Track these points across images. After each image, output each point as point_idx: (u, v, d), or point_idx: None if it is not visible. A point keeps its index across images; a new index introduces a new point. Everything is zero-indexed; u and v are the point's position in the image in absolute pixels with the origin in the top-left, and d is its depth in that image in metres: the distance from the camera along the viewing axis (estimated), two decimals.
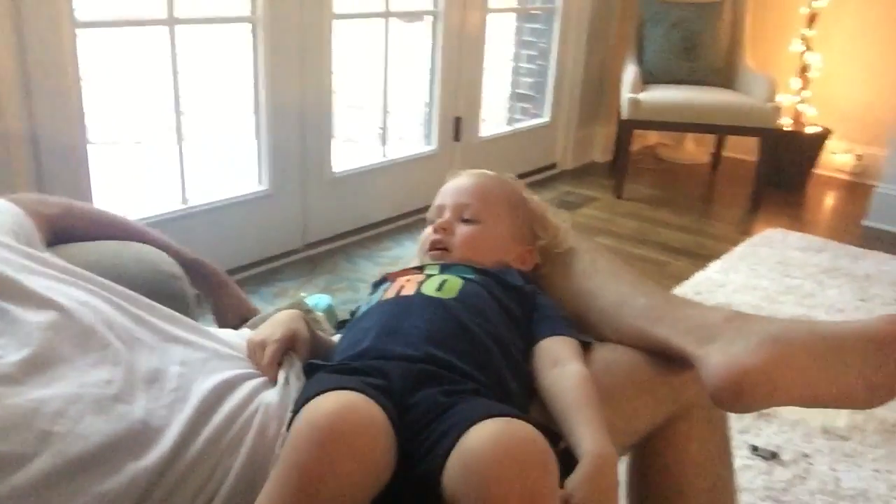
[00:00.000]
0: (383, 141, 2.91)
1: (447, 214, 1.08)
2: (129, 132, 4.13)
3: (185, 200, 2.24)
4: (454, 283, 0.95)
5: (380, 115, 2.91)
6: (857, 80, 3.79)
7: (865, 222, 3.27)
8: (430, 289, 0.94)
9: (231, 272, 2.30)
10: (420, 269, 1.03)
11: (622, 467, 1.09)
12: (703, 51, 3.52)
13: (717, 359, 0.85)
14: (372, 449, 0.67)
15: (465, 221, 1.08)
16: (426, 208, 1.15)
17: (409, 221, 2.89)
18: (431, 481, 0.69)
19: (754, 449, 1.68)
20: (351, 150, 3.78)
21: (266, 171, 2.43)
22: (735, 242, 2.94)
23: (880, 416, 1.83)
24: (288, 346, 0.89)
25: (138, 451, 0.72)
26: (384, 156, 2.89)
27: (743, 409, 0.85)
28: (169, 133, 2.21)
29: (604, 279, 1.04)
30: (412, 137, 3.37)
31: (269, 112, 2.37)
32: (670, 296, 1.01)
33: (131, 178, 3.49)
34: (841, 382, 0.83)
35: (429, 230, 1.10)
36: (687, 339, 0.90)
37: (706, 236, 3.05)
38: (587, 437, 0.80)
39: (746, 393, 0.82)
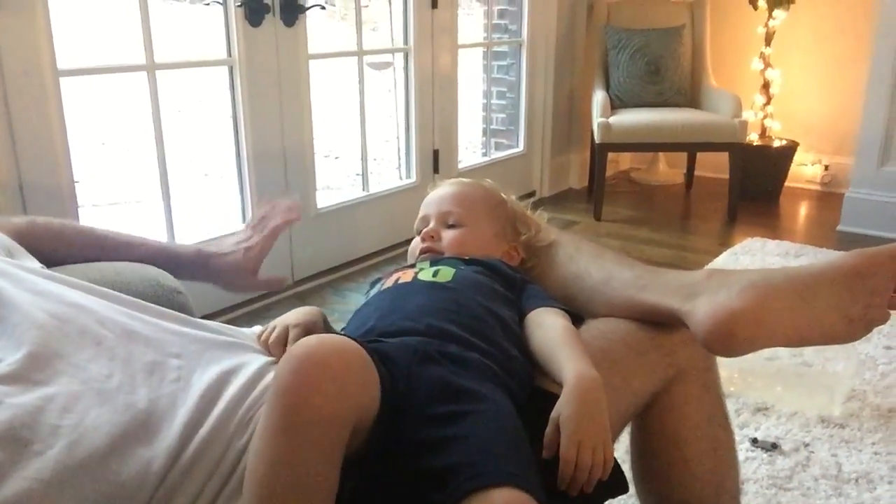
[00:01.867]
0: (364, 184, 2.95)
1: (432, 223, 1.14)
2: (114, 177, 4.16)
3: (171, 240, 2.25)
4: (448, 271, 1.00)
5: (357, 160, 2.96)
6: (818, 92, 3.92)
7: (840, 227, 3.35)
8: (426, 276, 0.99)
9: (222, 311, 2.31)
10: (412, 266, 1.07)
11: (625, 438, 1.11)
12: (667, 73, 3.63)
13: (703, 308, 0.89)
14: (348, 370, 0.69)
15: (450, 227, 1.13)
16: (411, 240, 1.20)
17: (395, 254, 2.91)
18: None
19: (754, 441, 1.69)
20: (334, 188, 3.83)
21: (251, 210, 2.45)
22: (716, 254, 3.00)
23: (874, 402, 1.86)
24: (306, 332, 0.92)
25: (147, 439, 0.73)
26: (367, 190, 2.93)
27: (733, 351, 0.89)
28: (154, 176, 2.23)
29: (588, 261, 1.09)
30: (391, 173, 3.41)
31: (251, 151, 2.41)
32: (653, 267, 1.05)
33: (119, 218, 3.50)
34: (822, 319, 0.87)
35: (417, 240, 1.15)
36: (673, 298, 0.95)
37: (687, 250, 3.10)
38: (568, 366, 0.85)
39: (734, 335, 0.86)
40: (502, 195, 1.21)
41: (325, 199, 2.76)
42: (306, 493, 0.65)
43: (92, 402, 0.73)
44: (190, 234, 2.32)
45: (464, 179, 1.23)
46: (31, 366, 0.73)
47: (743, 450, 1.65)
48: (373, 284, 1.09)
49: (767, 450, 1.67)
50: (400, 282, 0.99)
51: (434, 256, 1.10)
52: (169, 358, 0.82)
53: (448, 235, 1.12)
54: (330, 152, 4.74)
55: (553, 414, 0.81)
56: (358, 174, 3.02)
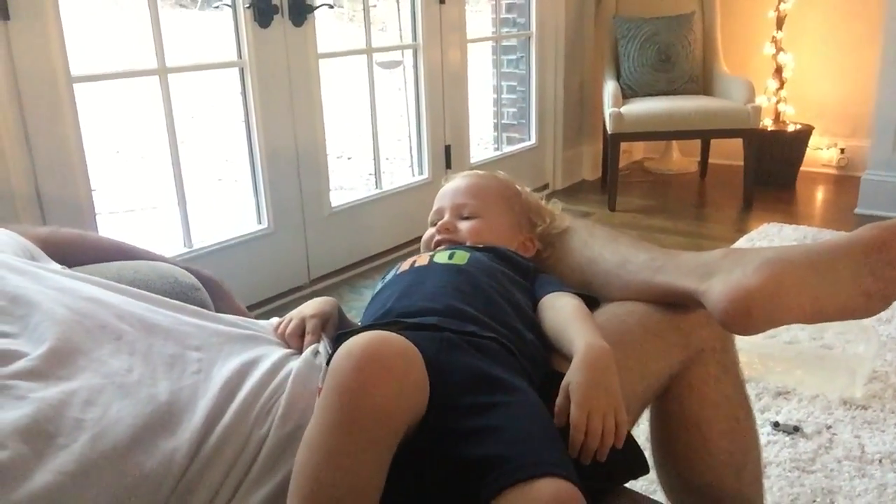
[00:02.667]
0: (377, 182, 2.96)
1: (447, 216, 1.14)
2: (130, 181, 4.21)
3: (189, 244, 2.27)
4: (463, 255, 1.01)
5: (370, 160, 2.96)
6: (831, 75, 3.88)
7: (858, 210, 3.32)
8: (442, 258, 1.00)
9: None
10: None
11: (645, 421, 1.11)
12: (678, 61, 3.61)
13: (719, 287, 0.89)
14: (408, 372, 0.69)
15: (465, 219, 1.13)
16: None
17: (409, 250, 2.92)
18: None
19: (776, 425, 1.68)
20: (347, 188, 3.85)
21: (266, 210, 2.47)
22: (733, 240, 2.98)
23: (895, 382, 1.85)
24: (322, 325, 0.92)
25: (170, 431, 0.74)
26: (380, 187, 2.94)
27: (751, 329, 0.88)
28: (168, 179, 2.25)
29: (602, 245, 1.09)
30: (403, 170, 3.42)
31: (264, 152, 2.42)
32: (668, 249, 1.05)
33: (135, 224, 3.54)
34: (839, 294, 0.86)
35: (430, 231, 1.15)
36: (689, 279, 0.94)
37: (704, 238, 3.09)
38: (578, 338, 0.85)
39: (752, 312, 0.86)
40: (516, 187, 1.21)
41: (339, 197, 2.77)
42: (355, 489, 0.66)
43: (114, 396, 0.74)
44: (206, 239, 2.34)
45: (478, 171, 1.22)
46: (53, 361, 0.75)
47: (765, 434, 1.64)
48: (389, 271, 1.09)
49: (789, 433, 1.66)
50: (417, 265, 1.00)
51: (450, 246, 1.10)
52: (189, 350, 0.83)
53: (465, 226, 1.12)
54: (342, 153, 4.76)
55: (563, 382, 0.81)
56: (371, 174, 3.03)
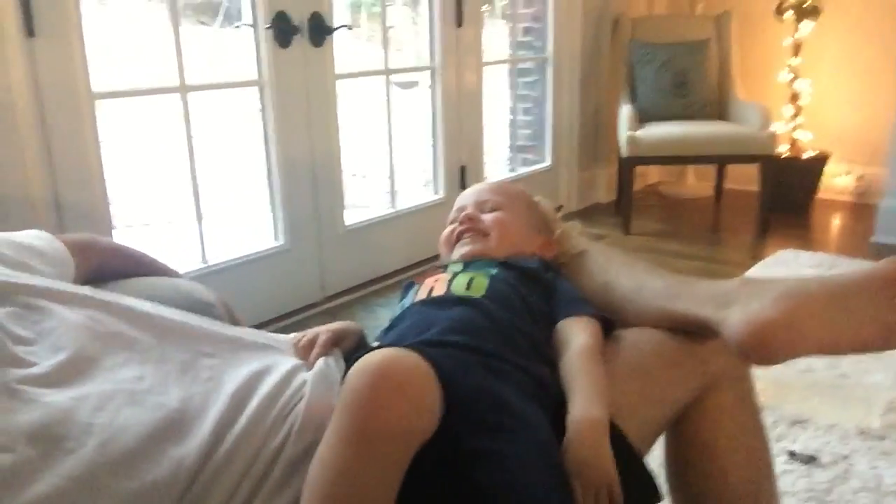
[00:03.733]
0: (391, 201, 2.97)
1: (470, 209, 1.13)
2: (148, 195, 4.24)
3: (204, 259, 2.29)
4: (481, 282, 0.98)
5: (385, 179, 2.98)
6: (848, 102, 3.87)
7: (874, 239, 3.29)
8: (459, 288, 0.98)
9: (255, 327, 2.33)
10: (444, 267, 1.06)
11: (659, 448, 1.10)
12: (694, 87, 3.62)
13: (737, 317, 0.88)
14: (421, 391, 0.69)
15: (488, 213, 1.12)
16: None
17: (423, 269, 2.92)
18: None
19: (792, 454, 1.66)
20: (361, 206, 3.86)
21: (281, 227, 2.49)
22: (748, 266, 2.96)
23: None
24: (334, 340, 0.92)
25: (179, 438, 0.74)
26: (394, 207, 2.95)
27: (769, 360, 0.87)
28: (186, 195, 2.27)
29: (619, 270, 1.08)
30: (418, 190, 3.43)
31: (281, 170, 2.44)
32: (685, 276, 1.04)
33: (152, 239, 3.55)
34: (856, 327, 0.85)
35: (448, 230, 1.14)
36: (706, 307, 0.93)
37: (719, 263, 3.08)
38: (575, 404, 0.84)
39: (769, 344, 0.85)
40: (535, 198, 1.22)
41: (354, 216, 2.78)
42: None
43: (124, 402, 0.74)
44: (221, 255, 2.35)
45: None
46: (67, 369, 0.75)
47: (780, 463, 1.62)
48: (406, 288, 1.08)
49: (805, 462, 1.64)
50: (434, 293, 0.98)
51: (470, 254, 1.08)
52: (201, 357, 0.83)
53: (489, 217, 1.11)
54: (357, 171, 4.78)
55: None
56: (386, 192, 3.05)
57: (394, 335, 0.94)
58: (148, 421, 0.73)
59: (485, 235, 1.09)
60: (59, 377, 0.74)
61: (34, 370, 0.74)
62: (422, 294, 0.99)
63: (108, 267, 1.09)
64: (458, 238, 1.11)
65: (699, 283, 1.00)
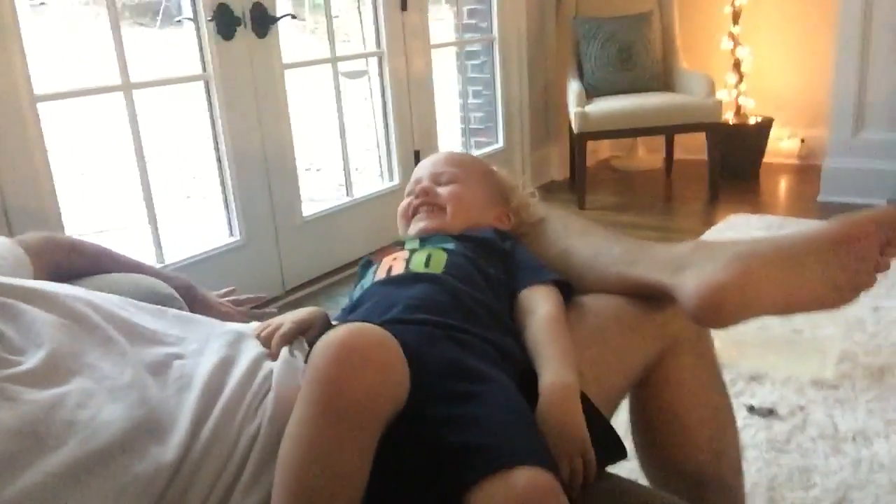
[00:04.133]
0: (347, 191, 2.97)
1: (425, 181, 1.12)
2: (98, 200, 4.16)
3: (161, 260, 2.26)
4: (440, 258, 0.99)
5: (339, 171, 2.97)
6: (788, 67, 3.97)
7: (820, 198, 3.39)
8: (418, 265, 0.98)
9: None
10: (401, 244, 1.06)
11: (624, 412, 1.12)
12: (639, 59, 3.67)
13: (691, 282, 0.90)
14: (387, 361, 0.69)
15: (444, 185, 1.12)
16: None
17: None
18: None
19: (751, 409, 1.72)
20: (318, 200, 3.84)
21: (237, 222, 2.47)
22: (700, 233, 3.03)
23: (865, 362, 1.89)
24: (297, 331, 0.92)
25: (157, 434, 0.74)
26: (351, 196, 2.95)
27: (722, 323, 0.89)
28: (138, 196, 2.24)
29: (577, 237, 1.10)
30: (373, 181, 3.43)
31: (233, 164, 2.42)
32: (641, 241, 1.06)
33: (107, 244, 3.49)
34: (809, 286, 0.88)
35: (405, 202, 1.14)
36: (662, 273, 0.95)
37: (673, 231, 3.14)
38: (546, 370, 0.85)
39: (723, 306, 0.87)
40: (492, 167, 1.21)
41: (310, 207, 2.77)
42: (339, 480, 0.66)
43: (105, 399, 0.74)
44: (178, 254, 2.33)
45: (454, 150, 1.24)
46: (49, 365, 0.75)
47: (740, 418, 1.67)
48: (364, 267, 1.07)
49: (764, 416, 1.69)
50: (393, 272, 0.98)
51: (426, 230, 1.08)
52: (173, 359, 0.83)
53: (444, 190, 1.11)
54: (311, 165, 4.75)
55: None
56: (341, 184, 3.04)
57: (356, 317, 0.94)
58: (129, 417, 0.73)
59: (441, 209, 1.09)
60: (41, 373, 0.74)
61: (15, 368, 0.73)
62: (381, 273, 0.99)
63: (66, 264, 1.08)
64: (415, 212, 1.11)
65: (655, 248, 1.02)
